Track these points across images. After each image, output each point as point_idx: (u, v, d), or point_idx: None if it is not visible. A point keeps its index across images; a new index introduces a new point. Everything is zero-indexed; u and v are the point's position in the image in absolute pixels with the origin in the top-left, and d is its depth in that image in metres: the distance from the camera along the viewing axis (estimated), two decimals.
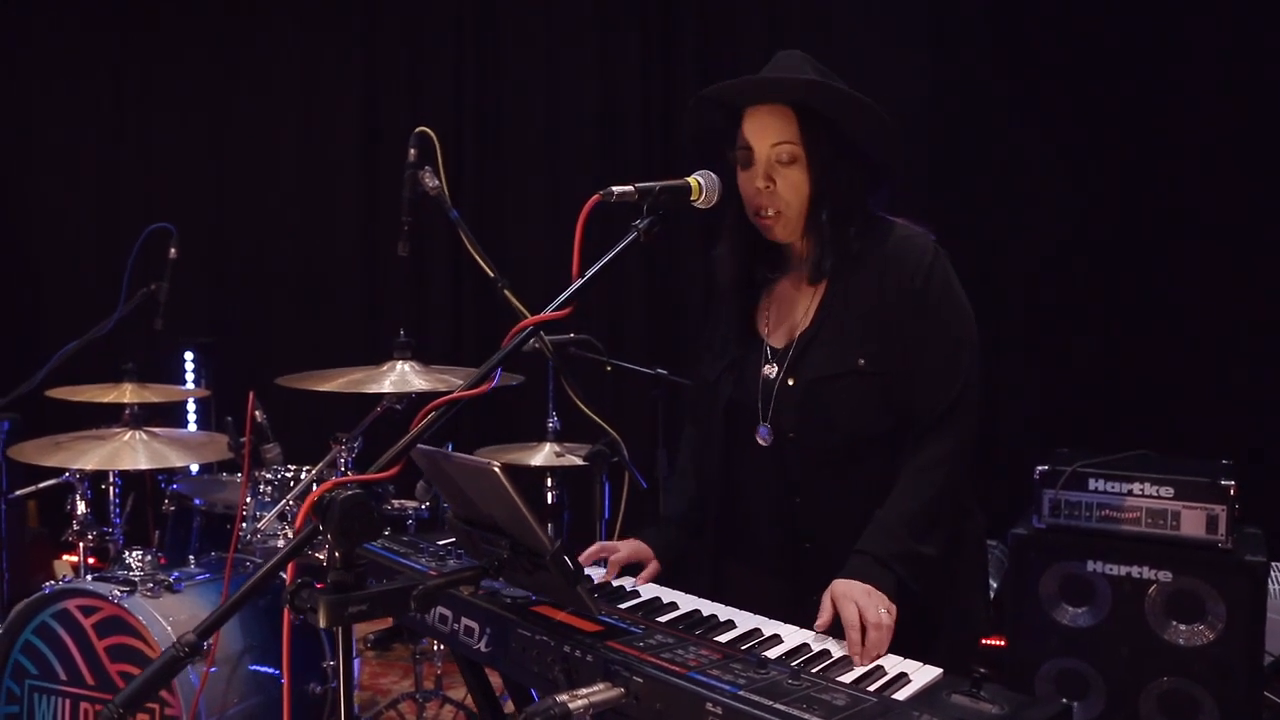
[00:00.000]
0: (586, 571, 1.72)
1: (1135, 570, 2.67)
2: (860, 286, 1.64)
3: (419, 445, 1.31)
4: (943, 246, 1.70)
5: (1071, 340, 3.44)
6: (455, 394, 1.30)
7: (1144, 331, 3.34)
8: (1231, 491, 2.58)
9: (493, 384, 1.35)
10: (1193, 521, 2.62)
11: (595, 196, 1.47)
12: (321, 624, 1.18)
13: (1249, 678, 2.53)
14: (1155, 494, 2.66)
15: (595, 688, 1.23)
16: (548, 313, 1.41)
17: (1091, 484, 2.74)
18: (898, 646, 1.42)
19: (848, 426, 1.63)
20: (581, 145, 4.09)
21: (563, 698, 1.18)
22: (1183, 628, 2.62)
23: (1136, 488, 2.69)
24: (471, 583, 1.32)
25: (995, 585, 3.06)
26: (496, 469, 1.27)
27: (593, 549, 1.77)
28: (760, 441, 1.70)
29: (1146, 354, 3.33)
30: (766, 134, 1.64)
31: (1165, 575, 2.64)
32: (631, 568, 1.79)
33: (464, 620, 1.52)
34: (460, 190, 4.24)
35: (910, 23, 3.58)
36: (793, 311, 1.72)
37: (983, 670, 3.35)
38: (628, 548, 1.77)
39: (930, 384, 1.61)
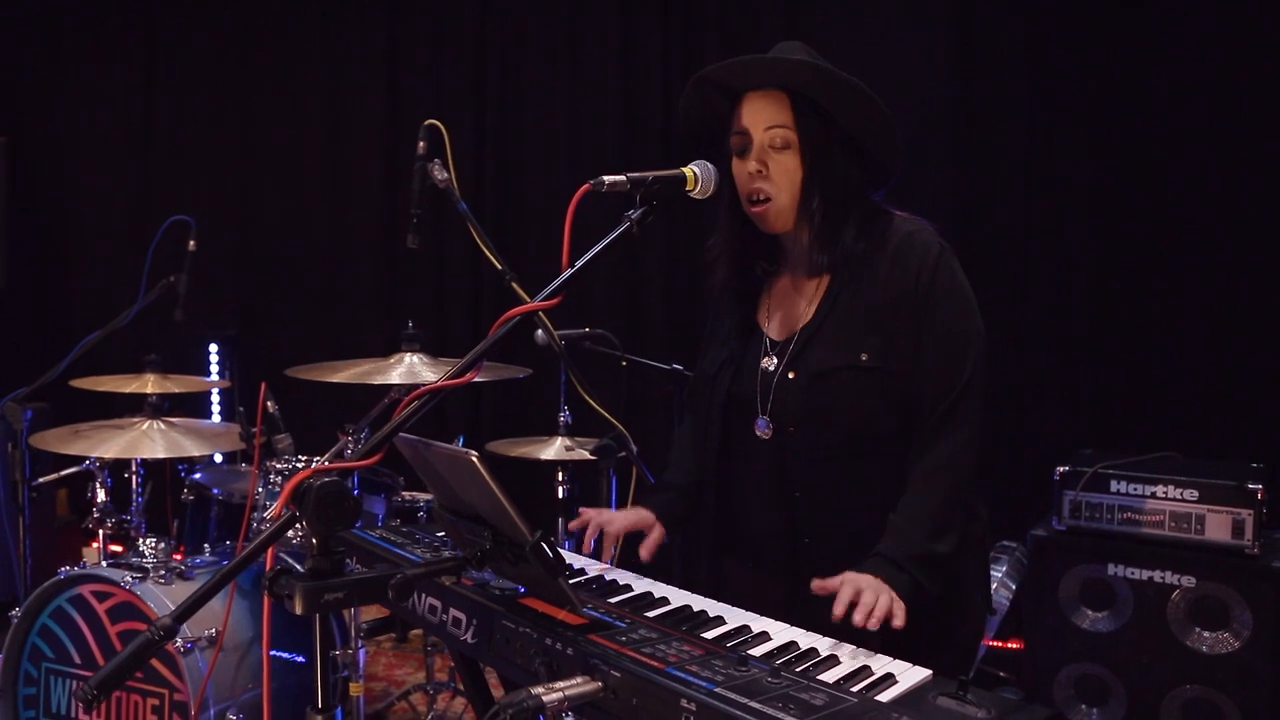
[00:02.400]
0: (582, 564, 1.73)
1: (1158, 575, 2.61)
2: (864, 281, 1.62)
3: (402, 434, 1.31)
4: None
5: (1097, 339, 3.36)
6: (437, 383, 1.30)
7: (1173, 330, 3.25)
8: (1259, 495, 2.51)
9: (476, 374, 1.34)
10: (1218, 526, 2.55)
11: (585, 186, 1.45)
12: (297, 610, 1.17)
13: (1275, 687, 2.46)
14: (1179, 497, 2.60)
15: (572, 681, 1.21)
16: (535, 302, 1.40)
17: (1113, 485, 2.68)
18: (894, 649, 1.39)
19: (849, 422, 1.60)
20: (602, 141, 4.07)
21: (537, 690, 1.17)
22: (1207, 635, 2.55)
23: (1160, 490, 2.63)
24: (453, 573, 1.31)
25: (1014, 587, 3.00)
26: (474, 458, 1.26)
27: (591, 524, 1.73)
28: (759, 434, 1.68)
29: (1175, 353, 3.24)
30: (761, 118, 1.63)
31: (1189, 580, 2.57)
32: (634, 540, 1.77)
33: (452, 611, 1.51)
34: (481, 185, 4.26)
35: (936, 17, 3.52)
36: (795, 306, 1.70)
37: (1002, 674, 3.28)
38: (626, 517, 1.75)
39: (935, 379, 1.59)
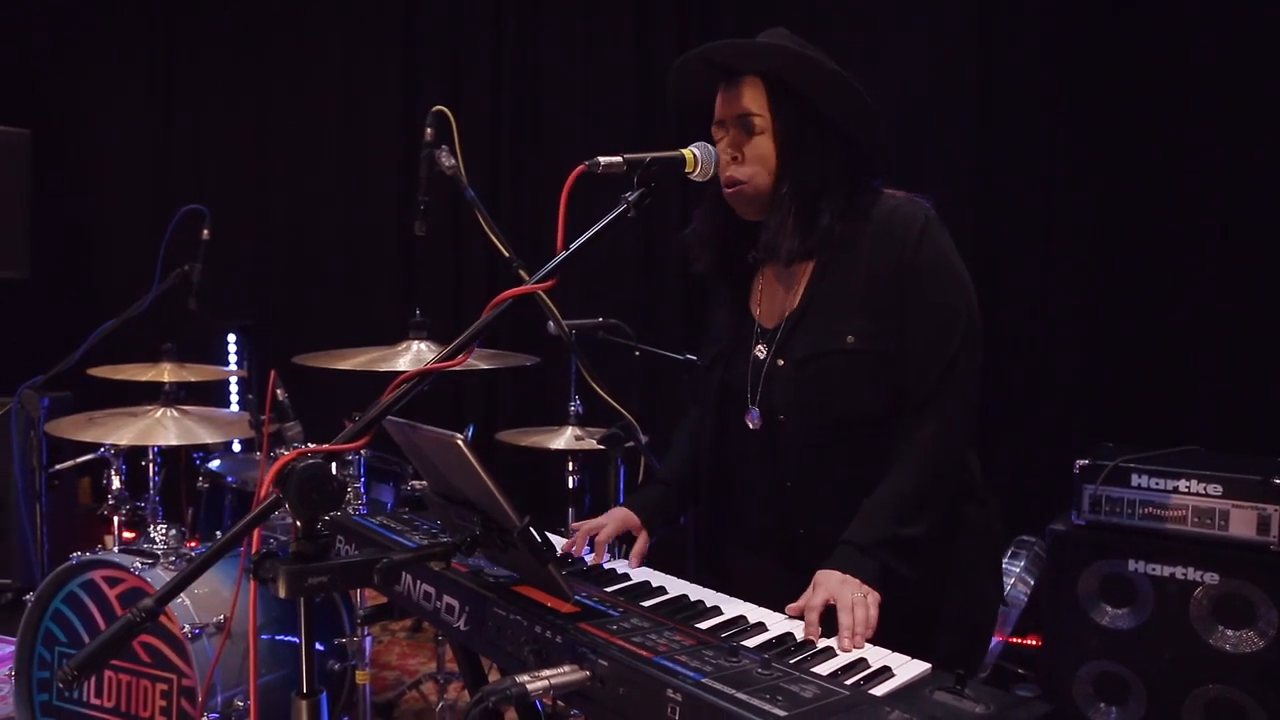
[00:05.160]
0: (582, 555, 1.71)
1: (1180, 571, 2.54)
2: (850, 263, 1.58)
3: (390, 417, 1.29)
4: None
5: (1120, 331, 3.29)
6: (426, 366, 1.28)
7: (1197, 322, 3.17)
8: None
9: (468, 357, 1.31)
10: (1242, 521, 2.48)
11: (580, 167, 1.43)
12: (280, 594, 1.16)
13: None
14: (1202, 491, 2.53)
15: (560, 669, 1.19)
16: (528, 285, 1.37)
17: (1135, 480, 2.62)
18: (893, 641, 1.36)
19: (838, 407, 1.56)
20: (620, 125, 4.04)
21: (522, 678, 1.15)
22: (1230, 633, 2.48)
23: (1182, 484, 2.56)
24: (441, 559, 1.29)
25: (1032, 583, 2.95)
26: (460, 441, 1.24)
27: (579, 536, 1.72)
28: (750, 425, 1.65)
29: (1199, 345, 3.16)
30: (735, 104, 1.61)
31: (1212, 577, 2.50)
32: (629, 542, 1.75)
33: (446, 598, 1.49)
34: (498, 172, 4.25)
35: (954, 18, 3.46)
36: (783, 292, 1.67)
37: (1020, 670, 3.20)
38: (614, 522, 1.73)
39: (919, 356, 1.54)
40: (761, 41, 1.61)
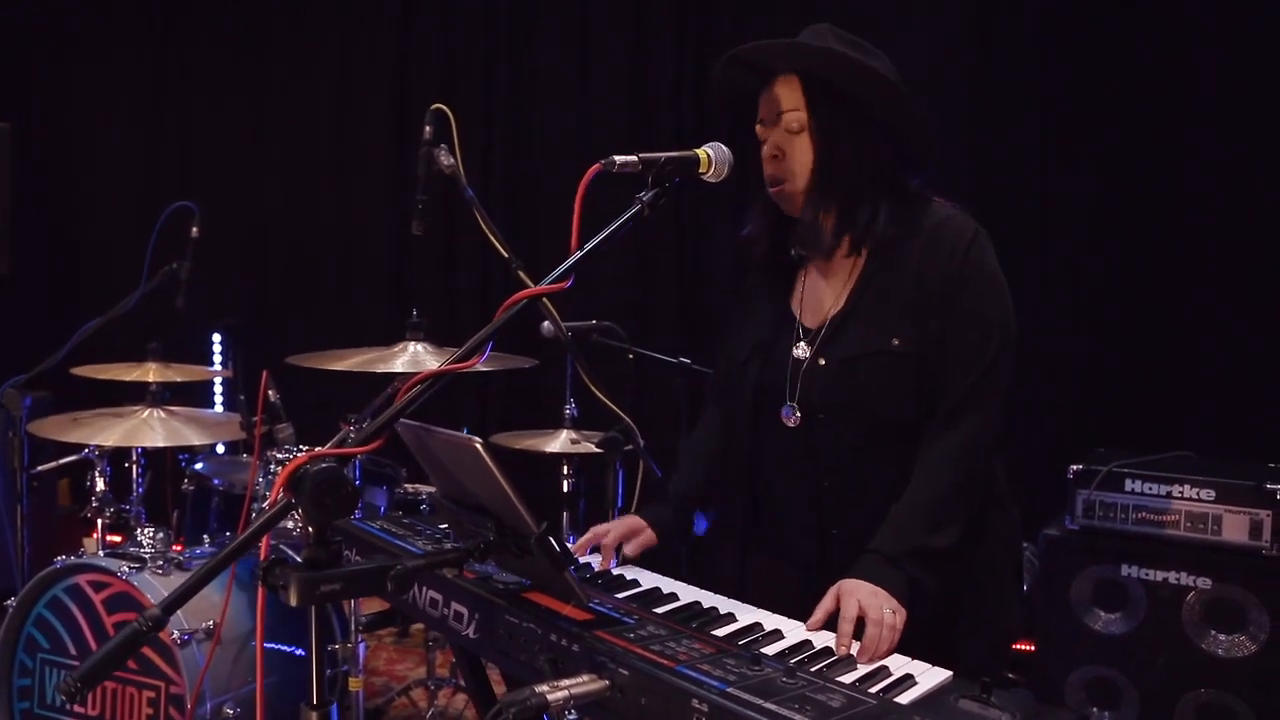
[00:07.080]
0: (586, 559, 1.69)
1: (1173, 576, 2.55)
2: (897, 267, 1.59)
3: (403, 420, 1.26)
4: (989, 233, 1.64)
5: (1113, 336, 3.31)
6: (441, 368, 1.25)
7: (1191, 328, 3.19)
8: (1278, 496, 2.45)
9: (481, 358, 1.29)
10: (1235, 526, 2.50)
11: (596, 166, 1.41)
12: (292, 602, 1.13)
13: None
14: (1195, 496, 2.55)
15: (578, 679, 1.17)
16: (544, 285, 1.35)
17: (1128, 485, 2.63)
18: (913, 647, 1.34)
19: (879, 409, 1.57)
20: (614, 126, 4.02)
21: (542, 688, 1.12)
22: (1223, 638, 2.49)
23: (1176, 490, 2.57)
24: (454, 566, 1.26)
25: (1025, 588, 2.95)
26: (478, 445, 1.21)
27: (585, 538, 1.73)
28: (786, 423, 1.65)
29: (1192, 351, 3.19)
30: (777, 103, 1.62)
31: (1205, 582, 2.52)
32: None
33: (454, 605, 1.47)
34: (491, 171, 4.22)
35: (954, 18, 3.47)
36: (827, 292, 1.67)
37: (1011, 675, 3.21)
38: (619, 527, 1.73)
39: (957, 366, 1.55)
40: (795, 41, 1.62)
